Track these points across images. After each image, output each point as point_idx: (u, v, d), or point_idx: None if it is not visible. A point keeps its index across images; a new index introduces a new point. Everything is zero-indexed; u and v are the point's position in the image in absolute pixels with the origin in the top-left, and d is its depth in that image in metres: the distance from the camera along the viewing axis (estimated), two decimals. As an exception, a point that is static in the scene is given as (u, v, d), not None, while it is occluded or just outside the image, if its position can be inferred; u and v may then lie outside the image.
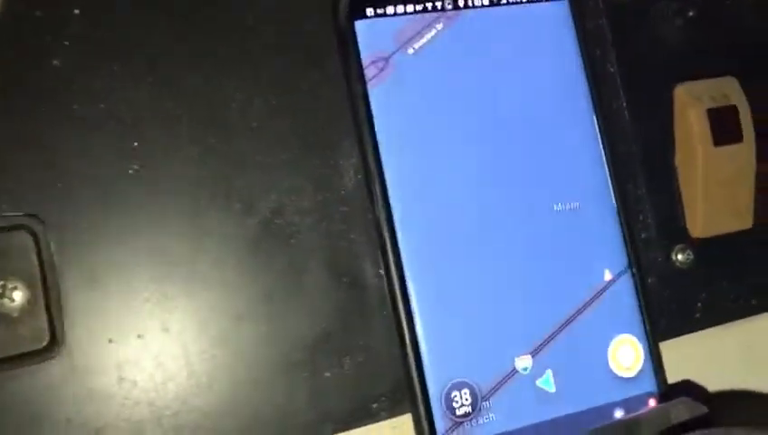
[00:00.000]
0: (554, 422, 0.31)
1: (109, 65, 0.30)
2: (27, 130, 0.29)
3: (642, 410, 0.30)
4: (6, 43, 0.29)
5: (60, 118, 0.30)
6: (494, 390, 0.31)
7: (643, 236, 0.36)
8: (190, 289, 0.30)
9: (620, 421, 0.29)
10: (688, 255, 0.36)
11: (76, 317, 0.29)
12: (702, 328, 0.36)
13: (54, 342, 0.28)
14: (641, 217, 0.36)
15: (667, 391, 0.32)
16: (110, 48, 0.30)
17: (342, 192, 0.32)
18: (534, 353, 0.31)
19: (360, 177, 0.32)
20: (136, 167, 0.30)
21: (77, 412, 0.29)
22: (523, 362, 0.31)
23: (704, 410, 0.28)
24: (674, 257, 0.36)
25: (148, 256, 0.30)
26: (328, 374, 0.31)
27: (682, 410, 0.28)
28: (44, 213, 0.29)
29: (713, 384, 0.36)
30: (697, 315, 0.36)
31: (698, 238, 0.36)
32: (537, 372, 0.31)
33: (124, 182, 0.30)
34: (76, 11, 0.30)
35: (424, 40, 0.32)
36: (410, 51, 0.32)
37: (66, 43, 0.30)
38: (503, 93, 0.33)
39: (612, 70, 0.36)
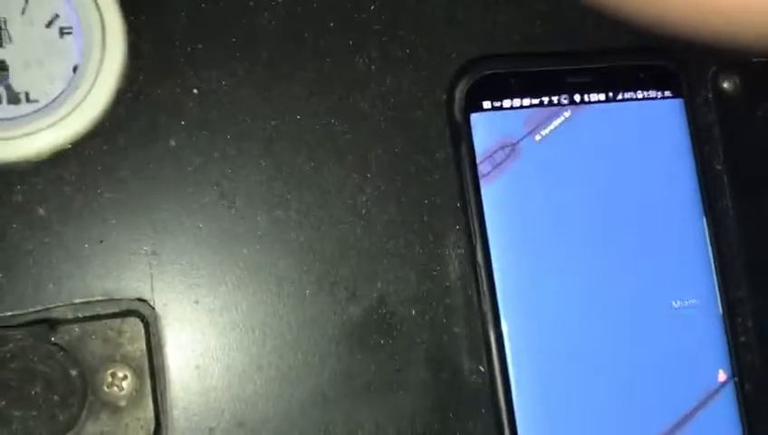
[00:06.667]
0: None
1: (223, 148, 0.30)
2: (139, 211, 0.29)
3: None
4: (125, 122, 0.29)
5: (173, 200, 0.29)
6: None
7: (742, 340, 0.35)
8: (292, 378, 0.30)
9: None
10: (788, 361, 0.35)
11: (180, 405, 0.28)
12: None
13: (159, 432, 0.28)
14: (740, 320, 0.35)
15: None
16: (225, 130, 0.30)
17: (447, 284, 0.32)
18: None
19: (465, 268, 0.32)
20: (245, 251, 0.30)
21: (174, 502, 0.28)
22: None
23: None
24: (773, 364, 0.35)
25: (251, 341, 0.30)
26: (424, 471, 0.31)
27: None
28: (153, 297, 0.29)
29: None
30: (793, 425, 0.35)
31: (798, 345, 0.35)
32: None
33: (231, 267, 0.30)
34: (195, 90, 0.30)
35: (551, 127, 0.32)
36: (537, 137, 0.32)
37: (183, 123, 0.30)
38: (617, 188, 0.32)
39: (719, 168, 0.35)
